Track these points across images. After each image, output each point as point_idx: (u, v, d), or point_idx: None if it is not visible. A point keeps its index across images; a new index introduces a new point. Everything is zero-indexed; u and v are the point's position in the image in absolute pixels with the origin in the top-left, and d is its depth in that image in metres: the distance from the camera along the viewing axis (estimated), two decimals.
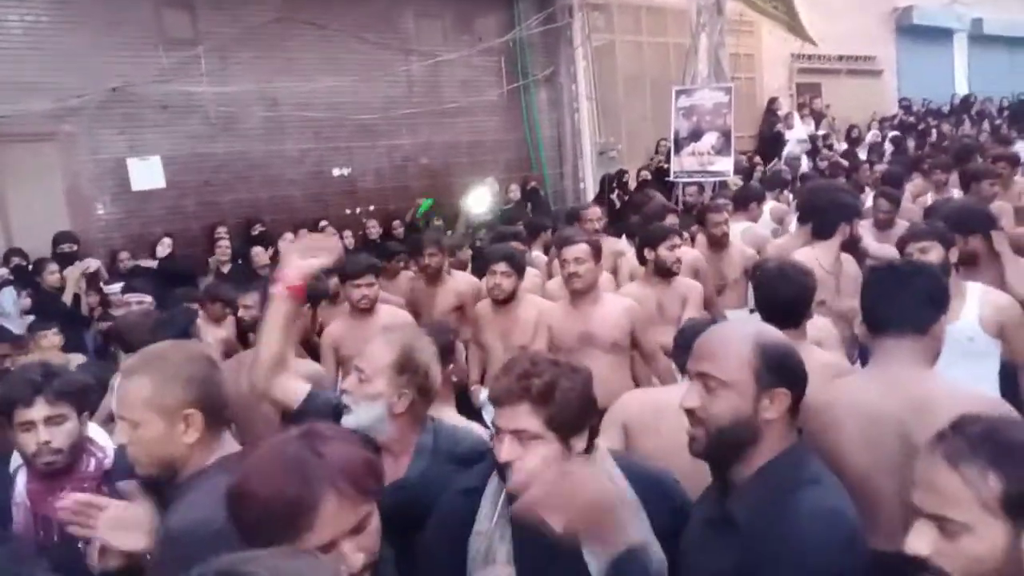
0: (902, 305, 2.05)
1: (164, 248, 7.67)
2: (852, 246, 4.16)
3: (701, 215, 5.47)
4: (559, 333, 3.70)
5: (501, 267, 4.00)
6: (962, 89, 18.02)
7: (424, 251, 4.85)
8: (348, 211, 9.45)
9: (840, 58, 15.25)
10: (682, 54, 10.59)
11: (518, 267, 4.05)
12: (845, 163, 10.89)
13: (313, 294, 3.85)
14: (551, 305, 3.95)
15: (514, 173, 10.50)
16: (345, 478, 1.28)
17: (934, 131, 13.87)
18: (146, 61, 7.99)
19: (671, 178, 9.80)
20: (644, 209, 6.46)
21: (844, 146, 13.09)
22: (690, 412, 1.61)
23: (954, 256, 3.33)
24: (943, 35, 17.88)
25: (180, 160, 8.31)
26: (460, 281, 4.97)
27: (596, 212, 6.23)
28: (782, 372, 1.59)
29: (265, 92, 8.70)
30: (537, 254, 5.95)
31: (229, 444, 1.79)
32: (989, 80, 19.01)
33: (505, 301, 4.04)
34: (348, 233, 8.47)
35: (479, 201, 8.44)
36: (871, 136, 13.62)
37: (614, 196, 8.97)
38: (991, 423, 1.27)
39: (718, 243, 5.13)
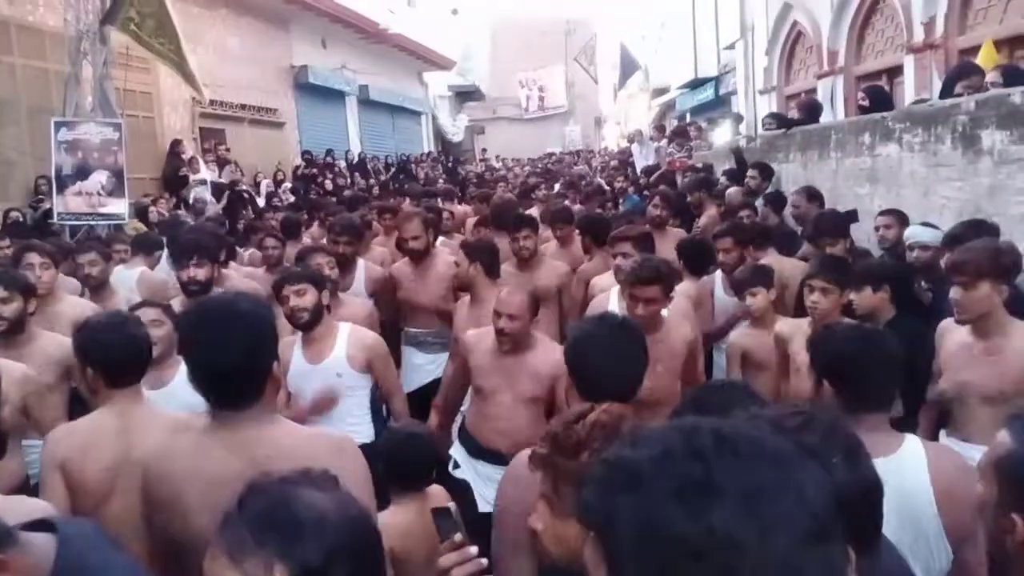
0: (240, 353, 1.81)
1: None
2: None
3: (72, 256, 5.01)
4: None
5: None
6: (355, 146, 20.09)
7: None
8: None
9: (243, 107, 15.47)
10: (64, 82, 9.37)
11: None
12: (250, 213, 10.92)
13: None
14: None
15: None
16: None
17: (330, 183, 15.04)
18: None
19: (54, 220, 8.56)
20: None
21: (262, 194, 13.31)
22: None
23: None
24: (336, 96, 19.69)
25: None
26: None
27: None
28: None
29: None
30: None
31: None
32: (377, 140, 21.75)
33: None
34: None
35: None
36: (267, 185, 14.12)
37: None
38: (275, 497, 1.09)
39: (92, 287, 4.73)
